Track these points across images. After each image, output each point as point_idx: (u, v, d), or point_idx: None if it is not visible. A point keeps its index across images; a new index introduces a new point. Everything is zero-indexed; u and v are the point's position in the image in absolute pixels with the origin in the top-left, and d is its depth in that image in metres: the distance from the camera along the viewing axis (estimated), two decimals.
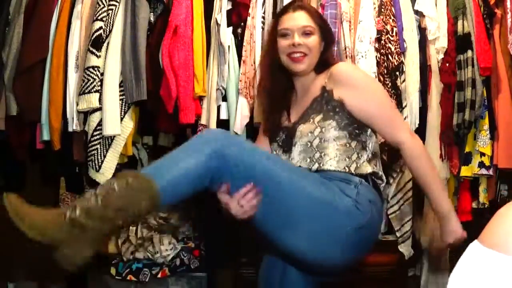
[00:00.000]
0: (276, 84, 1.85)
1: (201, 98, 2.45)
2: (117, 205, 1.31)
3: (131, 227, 2.69)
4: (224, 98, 2.46)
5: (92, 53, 2.34)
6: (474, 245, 1.12)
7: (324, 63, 1.81)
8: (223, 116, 2.47)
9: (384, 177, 1.76)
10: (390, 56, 2.34)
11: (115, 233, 2.47)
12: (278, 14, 1.91)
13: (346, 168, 1.66)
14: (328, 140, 1.68)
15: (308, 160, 1.70)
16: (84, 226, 1.29)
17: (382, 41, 2.35)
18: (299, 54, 1.77)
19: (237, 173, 1.45)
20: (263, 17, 2.43)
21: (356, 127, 1.70)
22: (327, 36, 1.84)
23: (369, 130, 1.73)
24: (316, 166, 1.68)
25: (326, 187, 1.57)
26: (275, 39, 1.83)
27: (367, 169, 1.69)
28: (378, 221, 1.70)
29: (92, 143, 2.34)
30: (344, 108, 1.69)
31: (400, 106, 2.32)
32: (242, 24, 2.46)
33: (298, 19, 1.80)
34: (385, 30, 2.36)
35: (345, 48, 2.35)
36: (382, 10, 2.38)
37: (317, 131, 1.69)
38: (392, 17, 2.37)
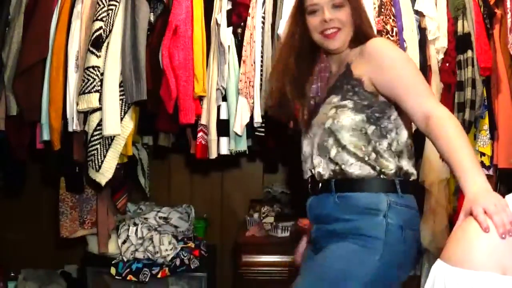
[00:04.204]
0: (304, 65, 1.75)
1: (201, 98, 2.45)
2: None
3: (131, 227, 2.69)
4: (224, 98, 2.46)
5: (92, 53, 2.33)
6: (438, 265, 1.12)
7: (359, 36, 1.69)
8: (223, 116, 2.47)
9: (414, 172, 1.62)
10: None
11: None
12: None
13: (366, 157, 1.57)
14: (342, 122, 1.60)
15: (327, 156, 1.62)
16: None
17: None
18: (332, 30, 1.67)
19: None
20: (263, 17, 2.42)
21: (376, 110, 1.60)
22: (358, 6, 1.71)
23: (393, 116, 1.61)
24: (337, 168, 1.60)
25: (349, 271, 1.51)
26: (302, 18, 1.72)
27: (390, 165, 1.58)
28: (414, 239, 1.59)
29: (92, 143, 2.34)
30: (363, 87, 1.60)
31: None
32: (242, 24, 2.45)
33: None
34: (385, 30, 2.35)
35: None
36: (382, 10, 2.38)
37: (332, 112, 1.61)
38: (392, 17, 2.37)
